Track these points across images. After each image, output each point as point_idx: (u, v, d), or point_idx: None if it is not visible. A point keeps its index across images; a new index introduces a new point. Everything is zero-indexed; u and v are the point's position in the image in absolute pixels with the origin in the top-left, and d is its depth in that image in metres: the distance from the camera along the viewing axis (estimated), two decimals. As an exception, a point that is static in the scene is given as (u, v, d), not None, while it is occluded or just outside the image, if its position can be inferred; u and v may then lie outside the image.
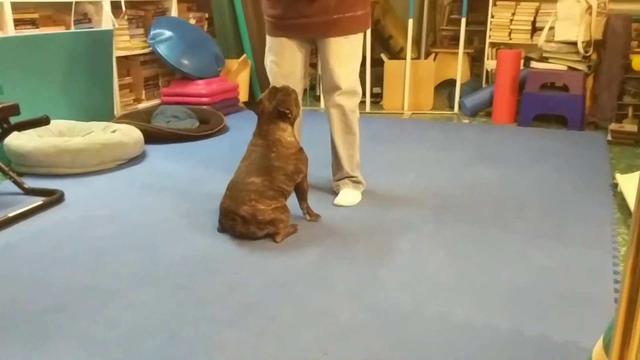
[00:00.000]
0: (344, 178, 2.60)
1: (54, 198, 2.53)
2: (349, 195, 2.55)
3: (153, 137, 3.51)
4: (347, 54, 2.42)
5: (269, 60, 2.52)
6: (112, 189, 2.74)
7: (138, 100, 4.36)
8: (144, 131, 3.38)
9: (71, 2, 3.68)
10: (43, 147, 2.85)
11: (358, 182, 2.62)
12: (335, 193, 2.62)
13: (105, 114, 3.79)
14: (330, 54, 2.41)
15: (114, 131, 3.17)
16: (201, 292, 1.77)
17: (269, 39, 2.50)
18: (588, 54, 3.91)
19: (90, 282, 1.83)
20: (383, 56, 4.69)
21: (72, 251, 2.06)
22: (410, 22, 4.47)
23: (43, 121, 2.48)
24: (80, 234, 2.21)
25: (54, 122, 3.19)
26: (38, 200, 2.50)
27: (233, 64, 4.63)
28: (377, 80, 4.76)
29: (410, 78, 4.53)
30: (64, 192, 2.64)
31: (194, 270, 1.92)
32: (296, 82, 2.47)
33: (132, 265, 1.95)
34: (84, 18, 3.81)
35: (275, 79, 2.48)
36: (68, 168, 2.91)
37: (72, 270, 1.92)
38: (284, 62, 2.47)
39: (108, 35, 3.74)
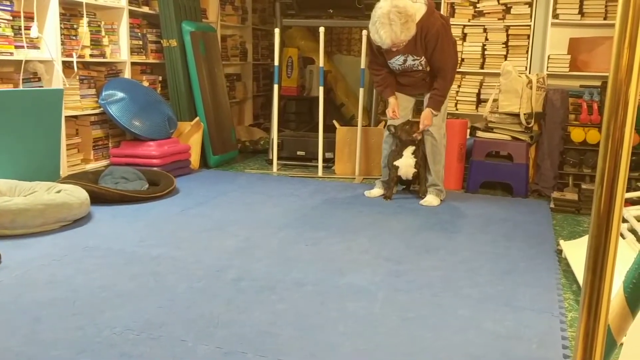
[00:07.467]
0: (431, 186, 3.78)
1: (-11, 261, 2.40)
2: (432, 200, 3.74)
3: (100, 198, 3.42)
4: None
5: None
6: (54, 252, 2.62)
7: (86, 160, 4.27)
8: (90, 192, 3.28)
9: (21, 61, 3.63)
10: (-19, 207, 2.73)
11: (440, 191, 3.80)
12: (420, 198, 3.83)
13: (50, 174, 3.68)
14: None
15: (58, 191, 3.07)
16: (145, 361, 1.68)
17: None
18: (530, 125, 4.10)
19: (25, 352, 1.72)
20: (335, 123, 4.79)
21: (6, 317, 1.94)
22: (362, 91, 4.61)
23: (-17, 180, 2.39)
24: (16, 300, 2.09)
25: (-5, 181, 3.07)
26: (-28, 263, 2.36)
27: (186, 126, 4.63)
28: (329, 145, 4.83)
29: (361, 144, 4.63)
30: (1, 254, 2.50)
31: (138, 337, 1.83)
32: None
33: (71, 333, 1.84)
34: (33, 77, 3.75)
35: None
36: (8, 229, 2.78)
37: (6, 338, 1.79)
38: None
39: (57, 95, 3.69)
